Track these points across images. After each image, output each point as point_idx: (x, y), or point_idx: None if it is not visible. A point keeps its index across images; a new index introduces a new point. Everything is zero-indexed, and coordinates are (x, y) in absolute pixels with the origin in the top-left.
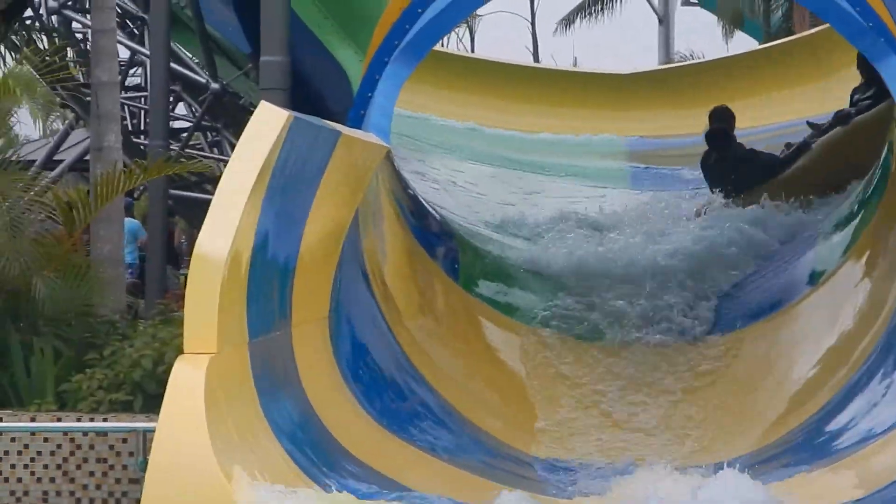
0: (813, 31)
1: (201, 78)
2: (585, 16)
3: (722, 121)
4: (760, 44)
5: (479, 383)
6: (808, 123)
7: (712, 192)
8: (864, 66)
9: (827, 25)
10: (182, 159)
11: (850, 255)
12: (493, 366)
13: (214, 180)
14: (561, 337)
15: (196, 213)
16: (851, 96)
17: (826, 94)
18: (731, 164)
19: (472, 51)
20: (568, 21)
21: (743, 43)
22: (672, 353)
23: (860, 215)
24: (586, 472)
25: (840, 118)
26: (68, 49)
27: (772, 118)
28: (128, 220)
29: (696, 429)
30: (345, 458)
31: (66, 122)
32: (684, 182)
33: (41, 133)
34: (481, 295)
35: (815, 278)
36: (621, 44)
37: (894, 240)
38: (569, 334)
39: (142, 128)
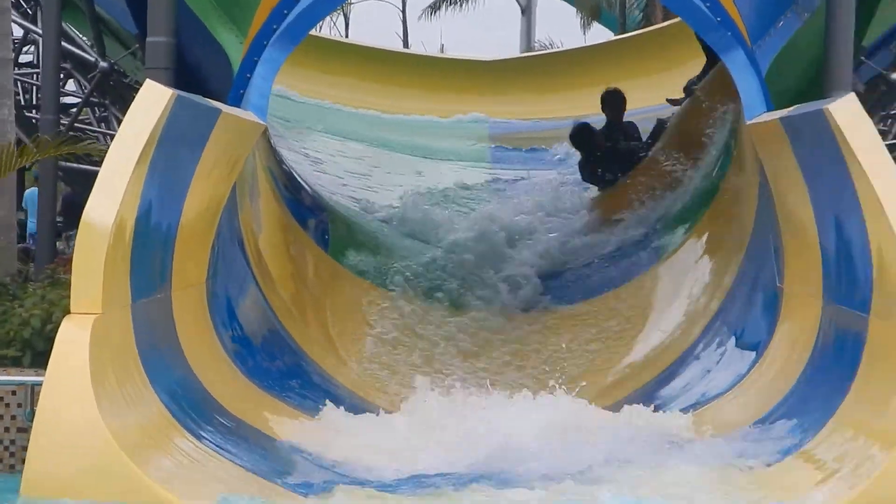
0: (665, 24)
1: (90, 56)
2: (451, 4)
3: (612, 106)
4: (616, 35)
5: (345, 344)
6: (668, 100)
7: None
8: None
9: (678, 19)
10: (71, 133)
11: (693, 233)
12: (360, 330)
13: (101, 153)
14: (423, 304)
15: (83, 184)
16: (687, 87)
17: (676, 82)
18: (596, 160)
19: (347, 36)
20: (434, 7)
21: (600, 34)
22: (519, 316)
23: (703, 197)
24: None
25: (686, 89)
26: None
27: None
28: (31, 189)
29: (533, 382)
30: (219, 413)
31: None
32: (543, 161)
33: None
34: (349, 264)
35: (659, 254)
36: (486, 32)
37: (734, 220)
38: (427, 299)
39: (34, 102)
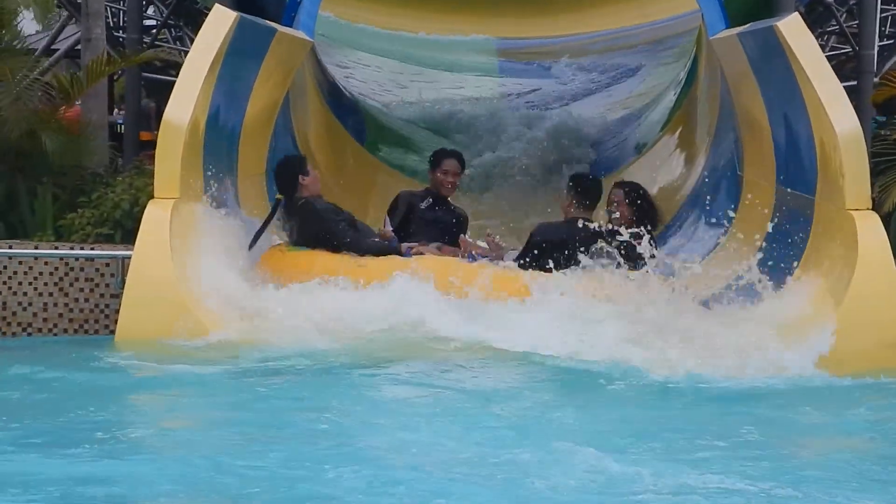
0: None
1: None
2: None
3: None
4: None
5: (377, 222)
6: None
7: None
8: None
9: None
10: (151, 50)
11: (666, 131)
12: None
13: (178, 67)
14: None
15: (163, 92)
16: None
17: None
18: None
19: None
20: None
21: None
22: (532, 193)
23: (675, 100)
24: None
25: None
26: None
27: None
28: None
29: None
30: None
31: (61, 18)
32: (542, 74)
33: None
34: (382, 157)
35: (639, 149)
36: None
37: (701, 119)
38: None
39: (121, 24)
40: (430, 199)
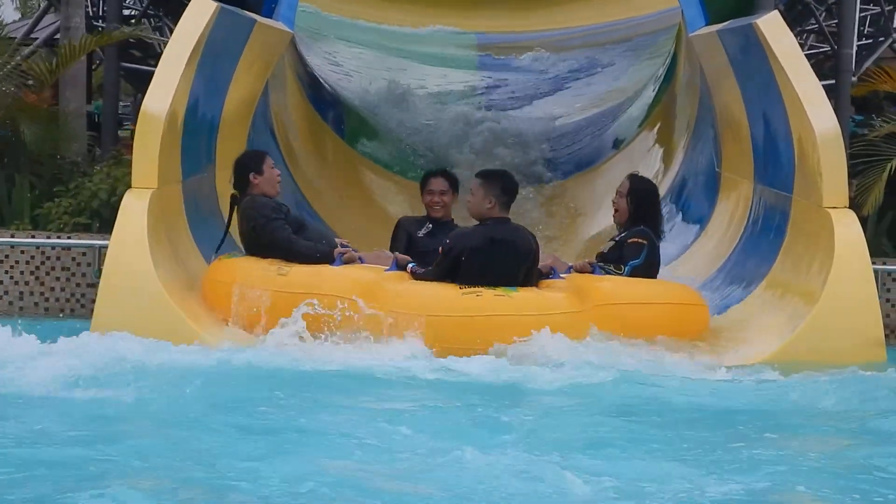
0: None
1: None
2: None
3: None
4: None
5: (356, 216)
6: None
7: None
8: None
9: None
10: (130, 40)
11: (645, 126)
12: (366, 203)
13: (157, 56)
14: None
15: (142, 81)
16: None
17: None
18: None
19: None
20: None
21: None
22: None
23: (654, 96)
24: None
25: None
26: None
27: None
28: None
29: None
30: None
31: (41, 6)
32: (520, 69)
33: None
34: (361, 150)
35: (617, 144)
36: None
37: (679, 115)
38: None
39: (100, 13)
40: (430, 225)
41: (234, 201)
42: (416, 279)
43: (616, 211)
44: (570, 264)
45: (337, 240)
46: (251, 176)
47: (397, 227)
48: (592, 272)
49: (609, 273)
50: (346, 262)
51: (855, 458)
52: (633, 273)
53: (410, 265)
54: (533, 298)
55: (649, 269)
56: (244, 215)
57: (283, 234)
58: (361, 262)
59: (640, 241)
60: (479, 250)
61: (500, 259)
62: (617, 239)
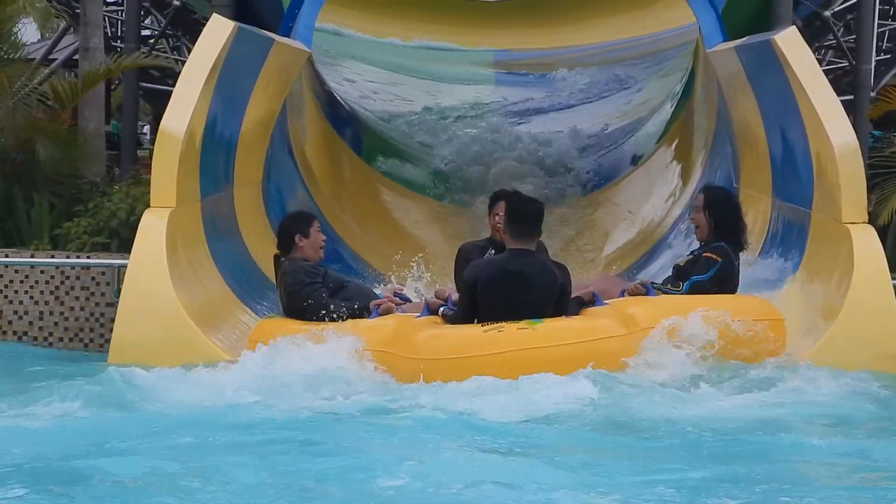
0: None
1: None
2: None
3: None
4: None
5: (373, 233)
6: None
7: None
8: None
9: None
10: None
11: (663, 142)
12: (384, 221)
13: (175, 76)
14: (441, 203)
15: (160, 101)
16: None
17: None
18: None
19: None
20: None
21: None
22: None
23: (672, 112)
24: None
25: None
26: None
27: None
28: None
29: None
30: (271, 290)
31: (60, 28)
32: (539, 85)
33: (40, 37)
34: (379, 167)
35: (636, 160)
36: None
37: (697, 131)
38: (446, 199)
39: (119, 34)
40: (493, 250)
41: (276, 262)
42: (447, 322)
43: (697, 227)
44: (623, 287)
45: (388, 285)
46: (297, 238)
47: (459, 255)
48: (647, 294)
49: (665, 292)
50: (383, 314)
51: (869, 478)
52: (693, 288)
53: (442, 308)
54: (561, 328)
55: (720, 284)
56: (281, 280)
57: (317, 300)
58: (402, 312)
59: (713, 256)
60: (493, 282)
61: (518, 292)
62: (695, 252)
